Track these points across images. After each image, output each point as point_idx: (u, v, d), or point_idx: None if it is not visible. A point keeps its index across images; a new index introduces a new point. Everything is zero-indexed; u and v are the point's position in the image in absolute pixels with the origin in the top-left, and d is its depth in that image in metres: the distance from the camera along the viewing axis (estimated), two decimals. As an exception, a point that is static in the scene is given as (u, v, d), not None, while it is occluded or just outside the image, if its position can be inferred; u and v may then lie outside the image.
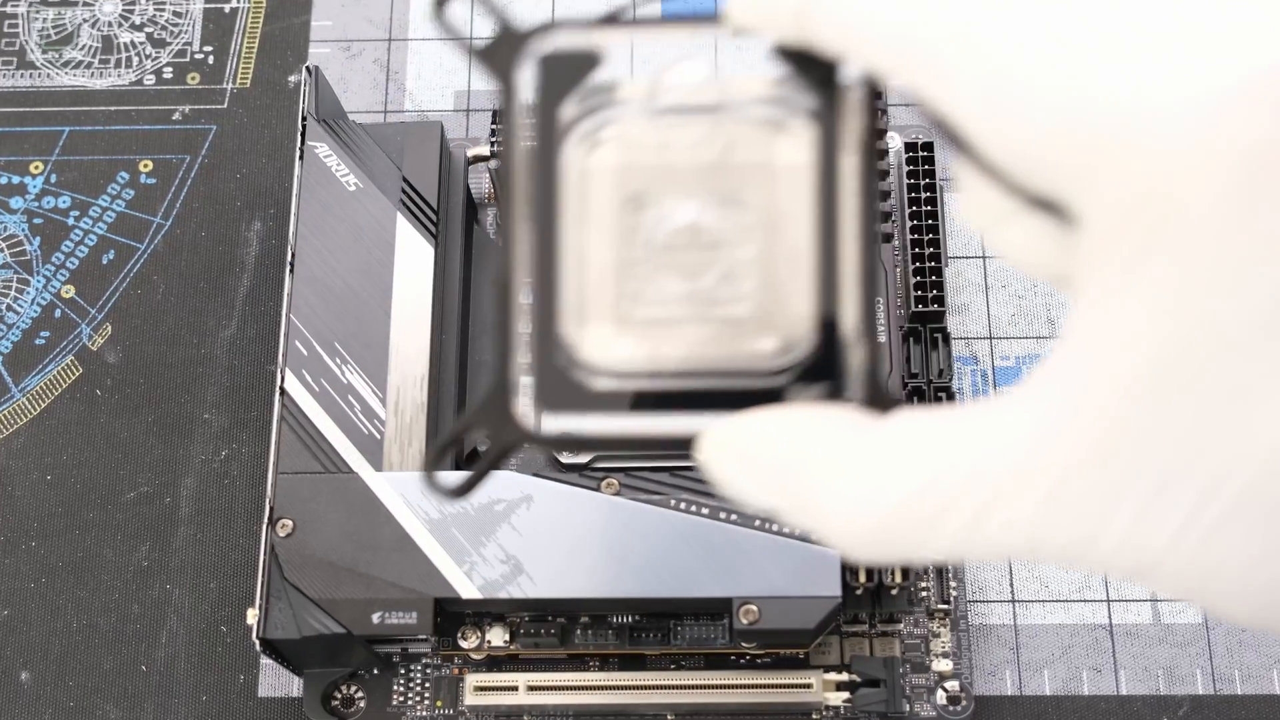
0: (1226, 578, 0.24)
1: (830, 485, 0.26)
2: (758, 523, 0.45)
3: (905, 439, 0.26)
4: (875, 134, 0.30)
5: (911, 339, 0.50)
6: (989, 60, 0.25)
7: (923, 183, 0.52)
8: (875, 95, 0.30)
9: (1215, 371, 0.23)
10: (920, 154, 0.52)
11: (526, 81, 0.31)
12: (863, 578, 0.46)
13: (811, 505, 0.27)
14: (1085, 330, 0.24)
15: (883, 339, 0.33)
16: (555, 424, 0.31)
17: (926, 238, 0.51)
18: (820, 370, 0.30)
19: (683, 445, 0.30)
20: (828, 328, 0.30)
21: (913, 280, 0.51)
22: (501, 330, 0.31)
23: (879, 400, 0.30)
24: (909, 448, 0.26)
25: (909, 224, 0.51)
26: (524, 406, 0.31)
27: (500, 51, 0.31)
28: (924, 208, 0.52)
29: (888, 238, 0.51)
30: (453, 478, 0.32)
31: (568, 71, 0.31)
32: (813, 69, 0.30)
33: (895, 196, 0.53)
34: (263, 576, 0.46)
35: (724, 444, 0.29)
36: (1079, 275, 0.25)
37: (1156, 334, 0.23)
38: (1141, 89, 0.23)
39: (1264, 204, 0.22)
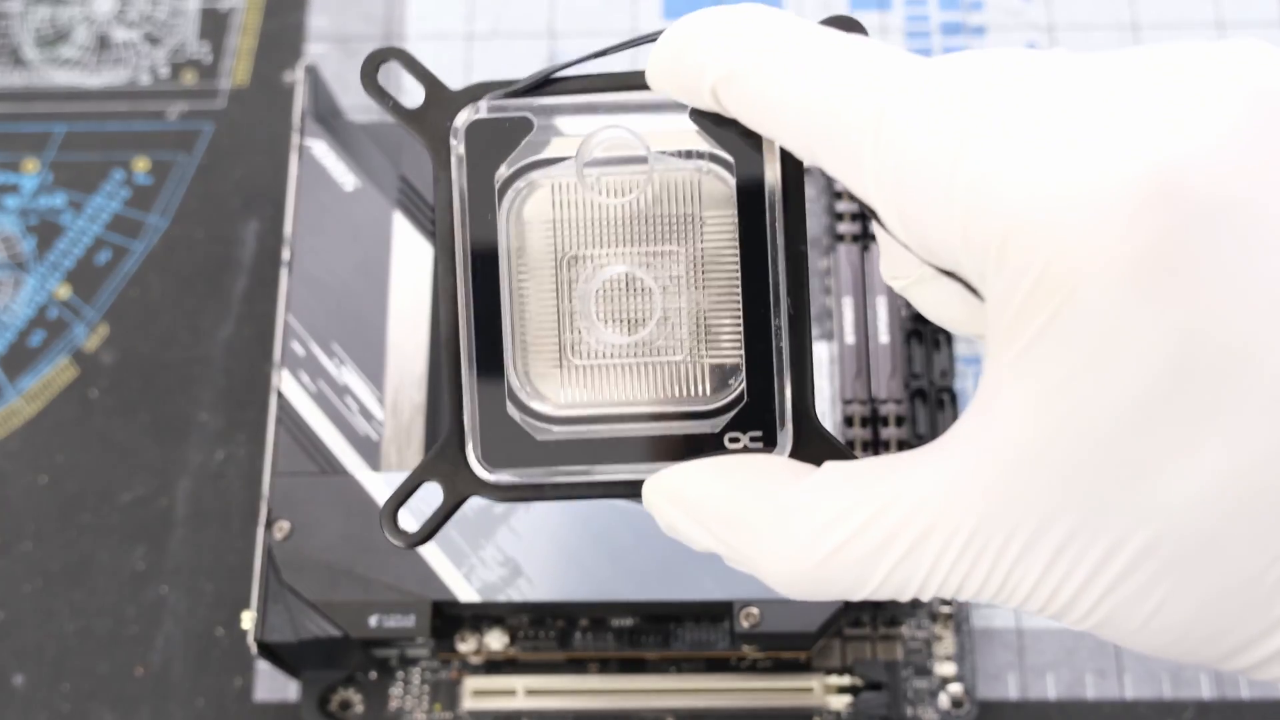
0: (1130, 621, 0.27)
1: (769, 532, 0.28)
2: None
3: (834, 489, 0.28)
4: (799, 180, 0.32)
5: (914, 340, 0.50)
6: (899, 153, 0.26)
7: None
8: None
9: (1113, 444, 0.25)
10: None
11: (458, 145, 0.33)
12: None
13: (751, 550, 0.29)
14: (998, 396, 0.26)
15: (822, 377, 0.34)
16: (506, 474, 0.33)
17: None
18: (755, 412, 0.32)
19: (630, 489, 0.32)
20: (759, 370, 0.32)
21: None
22: (451, 384, 0.33)
23: (813, 443, 0.32)
24: (837, 497, 0.28)
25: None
26: (476, 458, 0.33)
27: (431, 114, 0.33)
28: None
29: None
30: (410, 525, 0.34)
31: (500, 134, 0.33)
32: (735, 124, 0.31)
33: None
34: (259, 579, 0.45)
35: (666, 492, 0.31)
36: (988, 341, 0.27)
37: (1059, 409, 0.26)
38: (1039, 187, 0.25)
39: (1150, 298, 0.24)
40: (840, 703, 0.47)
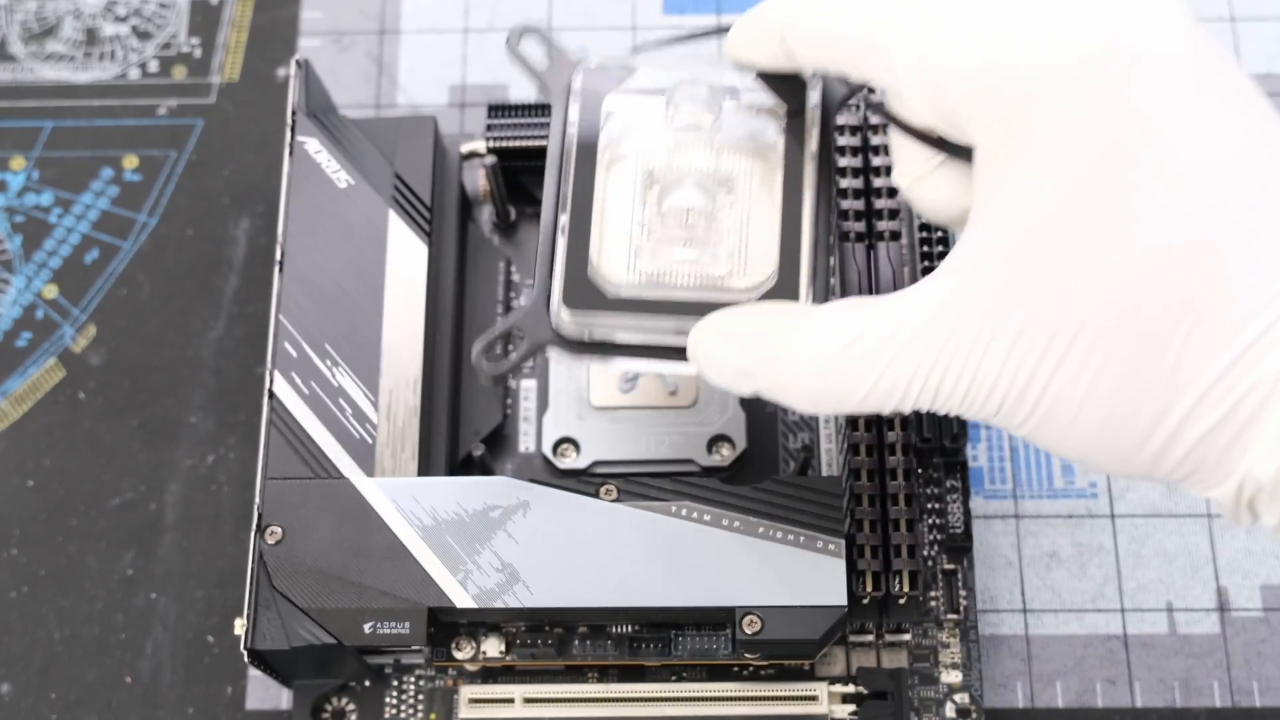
0: (1067, 408, 0.34)
1: (785, 345, 0.37)
2: (761, 530, 0.44)
3: (841, 311, 0.36)
4: (831, 141, 0.43)
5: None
6: (916, 49, 0.36)
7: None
8: (829, 114, 0.43)
9: (1052, 238, 0.33)
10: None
11: (578, 80, 0.44)
12: (869, 587, 0.45)
13: (772, 362, 0.37)
14: (969, 228, 0.35)
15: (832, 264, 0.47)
16: (577, 329, 0.42)
17: (936, 235, 0.50)
18: (783, 292, 0.41)
19: (676, 353, 0.41)
20: (788, 266, 0.41)
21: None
22: (543, 259, 0.42)
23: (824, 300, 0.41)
24: (843, 316, 0.36)
25: (917, 224, 0.50)
26: (557, 314, 0.41)
27: (557, 74, 0.44)
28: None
29: (895, 236, 0.50)
30: (497, 365, 0.42)
31: (608, 77, 0.44)
32: (787, 91, 0.42)
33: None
34: (251, 585, 0.45)
35: (710, 326, 0.39)
36: (976, 193, 0.35)
37: (1006, 216, 0.34)
38: (1009, 49, 0.34)
39: (1088, 114, 0.33)
40: (845, 711, 0.46)
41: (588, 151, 0.43)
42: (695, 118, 0.43)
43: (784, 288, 0.41)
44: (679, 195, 0.42)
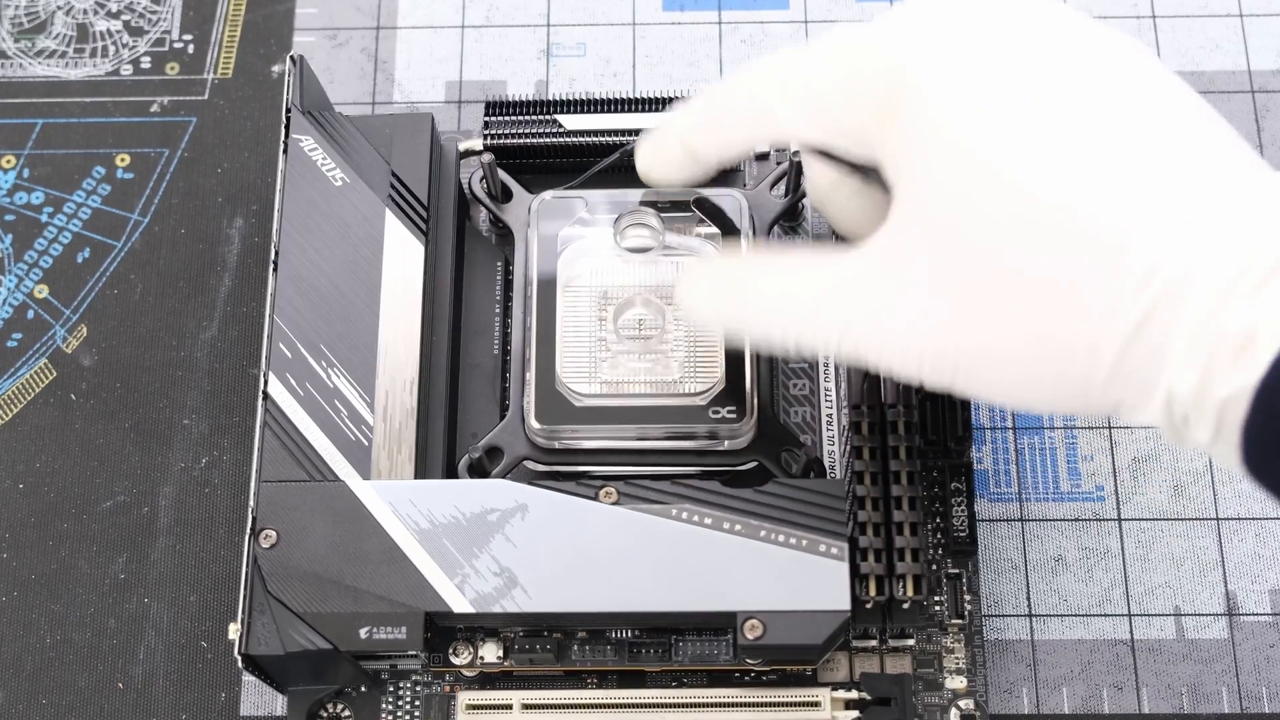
0: (996, 351, 0.36)
1: (749, 284, 0.41)
2: (763, 534, 0.44)
3: (793, 261, 0.40)
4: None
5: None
6: (796, 94, 0.40)
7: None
8: (758, 233, 0.49)
9: (940, 220, 0.37)
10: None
11: (535, 216, 0.49)
12: (873, 591, 0.45)
13: (742, 299, 0.41)
14: (890, 217, 0.39)
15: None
16: (549, 439, 0.47)
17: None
18: (730, 396, 0.47)
19: (639, 455, 0.47)
20: (733, 374, 0.47)
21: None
22: (515, 380, 0.48)
23: (771, 430, 0.48)
24: (794, 266, 0.40)
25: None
26: (531, 427, 0.47)
27: (515, 204, 0.50)
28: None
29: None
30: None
31: (561, 209, 0.49)
32: (714, 215, 0.49)
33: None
34: (245, 590, 0.45)
35: (693, 271, 0.45)
36: (890, 197, 0.39)
37: (911, 209, 0.38)
38: (857, 74, 0.39)
39: (967, 134, 0.36)
40: (848, 717, 0.46)
41: (547, 279, 0.48)
42: (640, 241, 0.49)
43: (730, 394, 0.46)
44: (631, 312, 0.48)
